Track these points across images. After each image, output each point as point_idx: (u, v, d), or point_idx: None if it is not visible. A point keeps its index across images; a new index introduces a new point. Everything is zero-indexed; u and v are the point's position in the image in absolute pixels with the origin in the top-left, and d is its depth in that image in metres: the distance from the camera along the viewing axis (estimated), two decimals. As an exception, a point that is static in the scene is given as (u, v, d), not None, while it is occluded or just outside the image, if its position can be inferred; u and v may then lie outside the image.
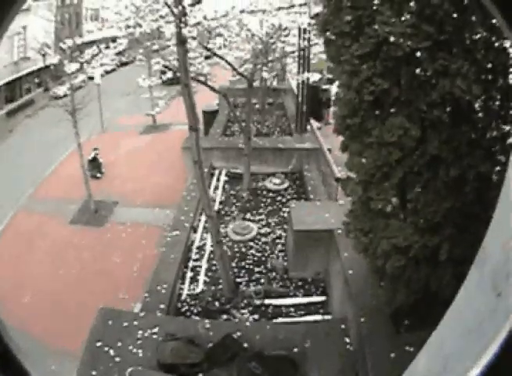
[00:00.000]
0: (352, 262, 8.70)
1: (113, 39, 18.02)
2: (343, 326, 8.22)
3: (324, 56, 15.77)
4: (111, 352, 8.46)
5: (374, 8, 5.34)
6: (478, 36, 5.03)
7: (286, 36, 16.28)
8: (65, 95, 27.61)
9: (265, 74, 17.60)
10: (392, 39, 5.22)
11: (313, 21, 11.63)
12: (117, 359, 8.28)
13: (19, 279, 17.28)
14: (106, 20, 27.81)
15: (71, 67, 20.69)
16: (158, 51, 18.16)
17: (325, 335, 8.16)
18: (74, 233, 20.43)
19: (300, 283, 11.56)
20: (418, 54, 5.18)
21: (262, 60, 15.62)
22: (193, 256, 13.76)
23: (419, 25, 4.97)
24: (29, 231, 21.01)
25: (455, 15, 4.93)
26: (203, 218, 15.08)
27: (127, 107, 35.52)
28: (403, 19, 5.18)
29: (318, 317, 10.16)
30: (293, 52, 17.44)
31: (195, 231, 14.83)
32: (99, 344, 8.64)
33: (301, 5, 11.97)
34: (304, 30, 14.98)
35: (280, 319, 10.24)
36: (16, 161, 30.93)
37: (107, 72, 35.41)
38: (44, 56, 40.51)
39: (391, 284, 6.51)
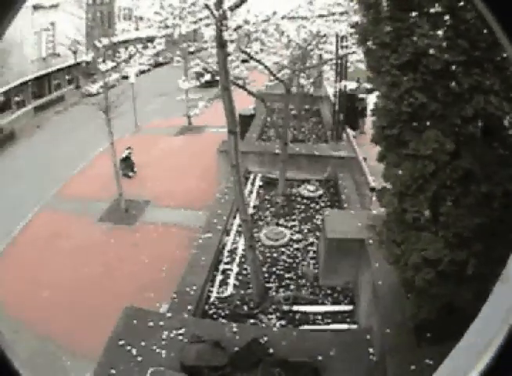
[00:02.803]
0: (382, 273, 8.81)
1: (148, 39, 18.19)
2: (368, 336, 8.35)
3: (361, 65, 15.96)
4: (133, 351, 8.66)
5: (412, 20, 5.51)
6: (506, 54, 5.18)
7: (324, 43, 16.39)
8: (97, 93, 27.88)
9: (302, 81, 17.66)
10: (431, 52, 5.41)
11: (352, 30, 11.77)
12: (139, 358, 8.46)
13: (41, 276, 17.45)
14: (140, 20, 27.92)
15: (106, 66, 20.96)
16: (194, 53, 18.33)
17: (349, 345, 8.29)
18: (102, 232, 20.53)
19: (329, 292, 11.72)
20: (453, 68, 5.34)
21: (300, 67, 15.73)
22: (224, 259, 14.00)
23: (454, 39, 5.14)
24: (53, 228, 21.20)
25: (486, 31, 5.08)
26: (237, 221, 15.39)
27: (161, 108, 35.66)
28: (439, 32, 5.35)
29: (344, 326, 10.29)
30: (330, 59, 17.51)
31: (227, 234, 15.05)
32: (121, 342, 8.87)
33: (341, 14, 12.05)
34: (342, 38, 15.08)
35: (307, 327, 10.35)
36: (42, 158, 31.49)
37: (141, 72, 35.63)
38: (75, 53, 40.99)
39: (416, 298, 6.62)
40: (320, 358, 7.91)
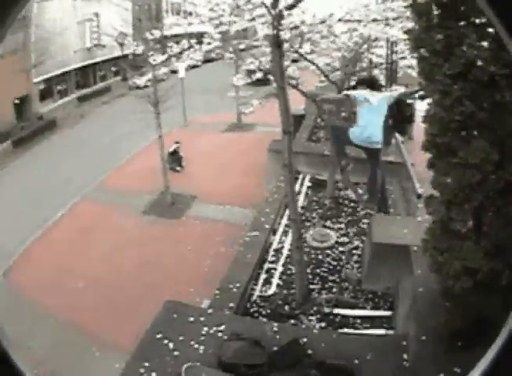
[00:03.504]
0: (423, 281, 8.85)
1: (197, 35, 18.37)
2: (404, 342, 8.43)
3: (410, 70, 15.95)
4: (170, 345, 8.88)
5: (461, 30, 5.67)
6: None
7: (375, 47, 16.43)
8: (145, 86, 28.19)
9: (353, 83, 17.74)
10: (479, 63, 5.58)
11: (404, 35, 11.82)
12: (176, 353, 8.67)
13: (78, 266, 17.70)
14: (189, 15, 28.07)
15: (157, 59, 21.27)
16: (244, 50, 18.52)
17: (385, 350, 8.42)
18: (146, 224, 20.58)
19: (370, 296, 11.92)
20: (498, 80, 5.49)
21: (351, 69, 15.83)
22: (270, 258, 14.34)
23: (497, 52, 5.29)
24: (94, 218, 21.46)
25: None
26: (284, 221, 15.76)
27: (210, 104, 35.67)
28: (485, 43, 5.50)
29: (382, 331, 10.46)
30: (381, 64, 17.52)
31: (274, 233, 15.40)
32: (158, 336, 9.10)
33: (394, 19, 12.10)
34: (393, 42, 15.11)
35: (346, 330, 10.55)
36: (85, 148, 31.95)
37: (191, 67, 35.87)
38: (122, 45, 41.55)
39: (452, 306, 6.79)
40: (357, 361, 8.04)
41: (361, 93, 8.07)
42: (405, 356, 8.10)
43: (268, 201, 16.96)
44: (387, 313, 11.18)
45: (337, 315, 11.30)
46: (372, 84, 8.24)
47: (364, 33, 13.86)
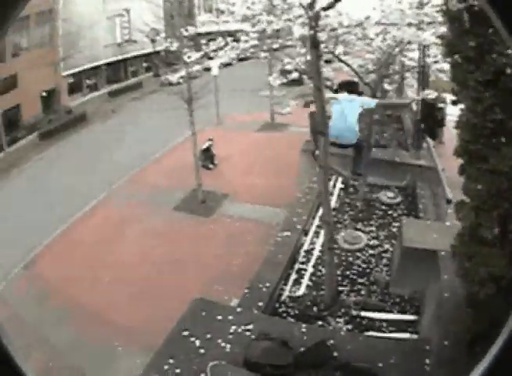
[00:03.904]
0: (449, 286, 8.91)
1: (231, 33, 18.47)
2: (427, 347, 8.49)
3: (441, 75, 15.91)
4: (197, 342, 9.06)
5: (491, 37, 5.77)
6: None
7: (408, 50, 16.41)
8: (177, 83, 28.14)
9: (386, 86, 17.69)
10: (509, 71, 5.70)
11: (437, 40, 11.85)
12: (202, 350, 8.84)
13: (106, 259, 17.87)
14: (222, 12, 28.07)
15: (192, 56, 21.29)
16: (278, 49, 18.60)
17: (408, 354, 8.49)
18: (177, 221, 20.52)
19: (397, 300, 11.98)
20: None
21: (384, 72, 15.84)
22: (300, 259, 14.44)
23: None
24: (124, 213, 21.51)
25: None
26: (316, 222, 15.88)
27: (243, 102, 35.51)
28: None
29: (406, 335, 10.52)
30: (413, 67, 17.50)
31: (305, 234, 15.51)
32: (185, 333, 9.29)
33: (428, 24, 12.13)
34: (426, 46, 15.06)
35: (372, 333, 10.65)
36: (116, 142, 32.07)
37: (223, 65, 35.85)
38: (153, 41, 41.87)
39: (475, 312, 6.90)
40: (381, 365, 8.15)
41: (341, 96, 8.51)
42: (426, 361, 8.15)
43: (300, 202, 17.10)
44: (413, 317, 11.25)
45: (364, 318, 11.38)
46: (352, 89, 8.69)
47: (397, 36, 13.93)
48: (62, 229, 20.99)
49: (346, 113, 8.43)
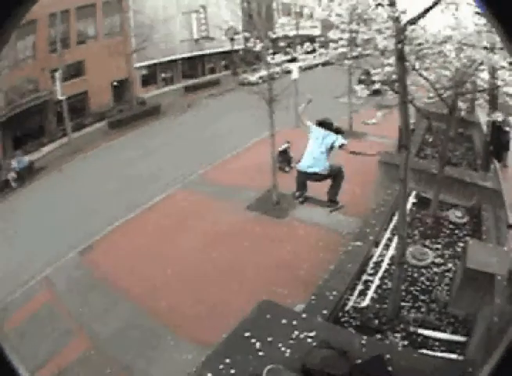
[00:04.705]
0: (501, 311, 9.30)
1: (310, 39, 18.82)
2: (470, 369, 8.81)
3: (507, 98, 16.18)
4: (257, 345, 9.51)
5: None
6: None
7: (480, 71, 16.58)
8: (256, 83, 28.70)
9: (460, 104, 17.76)
10: None
11: (506, 64, 12.21)
12: (261, 353, 9.27)
13: (168, 253, 18.46)
14: (300, 16, 28.39)
15: (276, 58, 22.01)
16: (357, 57, 19.03)
17: (452, 375, 8.88)
18: (248, 220, 21.05)
19: (452, 320, 12.40)
20: None
21: (460, 90, 16.15)
22: (368, 270, 14.97)
23: None
24: (193, 208, 22.40)
25: None
26: (387, 234, 16.42)
27: (321, 108, 34.49)
28: None
29: (454, 356, 10.88)
30: (484, 89, 17.77)
31: (376, 246, 16.02)
32: (247, 334, 9.77)
33: (500, 49, 12.29)
34: (497, 69, 15.48)
35: (424, 351, 11.01)
36: (190, 137, 33.28)
37: (302, 69, 36.17)
38: (232, 39, 42.73)
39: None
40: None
41: (316, 128, 9.23)
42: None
43: (374, 213, 17.52)
44: (462, 339, 11.57)
45: (419, 335, 11.80)
46: (327, 126, 9.40)
47: (471, 56, 14.15)
48: (125, 219, 22.02)
49: (317, 146, 9.28)
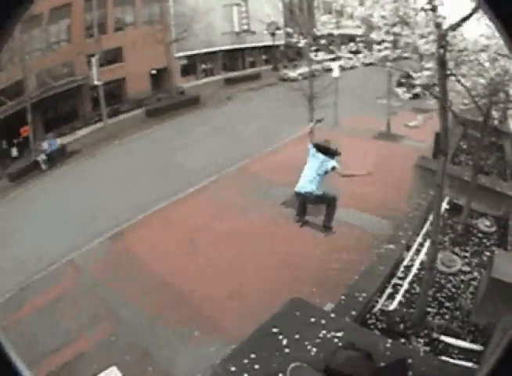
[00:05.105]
0: None
1: (350, 38, 19.09)
2: None
3: None
4: (284, 341, 9.74)
5: None
6: None
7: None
8: (296, 80, 28.82)
9: (493, 113, 17.91)
10: None
11: None
12: (287, 350, 9.48)
13: (201, 245, 18.48)
14: (341, 15, 28.52)
15: (319, 55, 21.88)
16: (396, 59, 19.34)
17: None
18: (283, 216, 20.13)
19: (472, 328, 12.72)
20: None
21: (494, 99, 16.55)
22: (399, 274, 15.30)
23: None
24: (227, 201, 22.35)
25: None
26: (419, 239, 16.73)
27: (359, 108, 35.90)
28: None
29: (469, 364, 11.08)
30: None
31: (407, 250, 16.33)
32: (274, 330, 10.01)
33: None
34: None
35: (443, 357, 11.29)
36: (229, 130, 33.53)
37: (342, 68, 36.39)
38: (273, 34, 43.10)
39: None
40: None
41: (316, 153, 9.86)
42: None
43: (408, 216, 17.92)
44: (479, 348, 11.84)
45: (441, 341, 12.13)
46: (325, 151, 9.99)
47: (505, 66, 14.46)
48: (159, 207, 22.27)
49: (314, 170, 10.03)
